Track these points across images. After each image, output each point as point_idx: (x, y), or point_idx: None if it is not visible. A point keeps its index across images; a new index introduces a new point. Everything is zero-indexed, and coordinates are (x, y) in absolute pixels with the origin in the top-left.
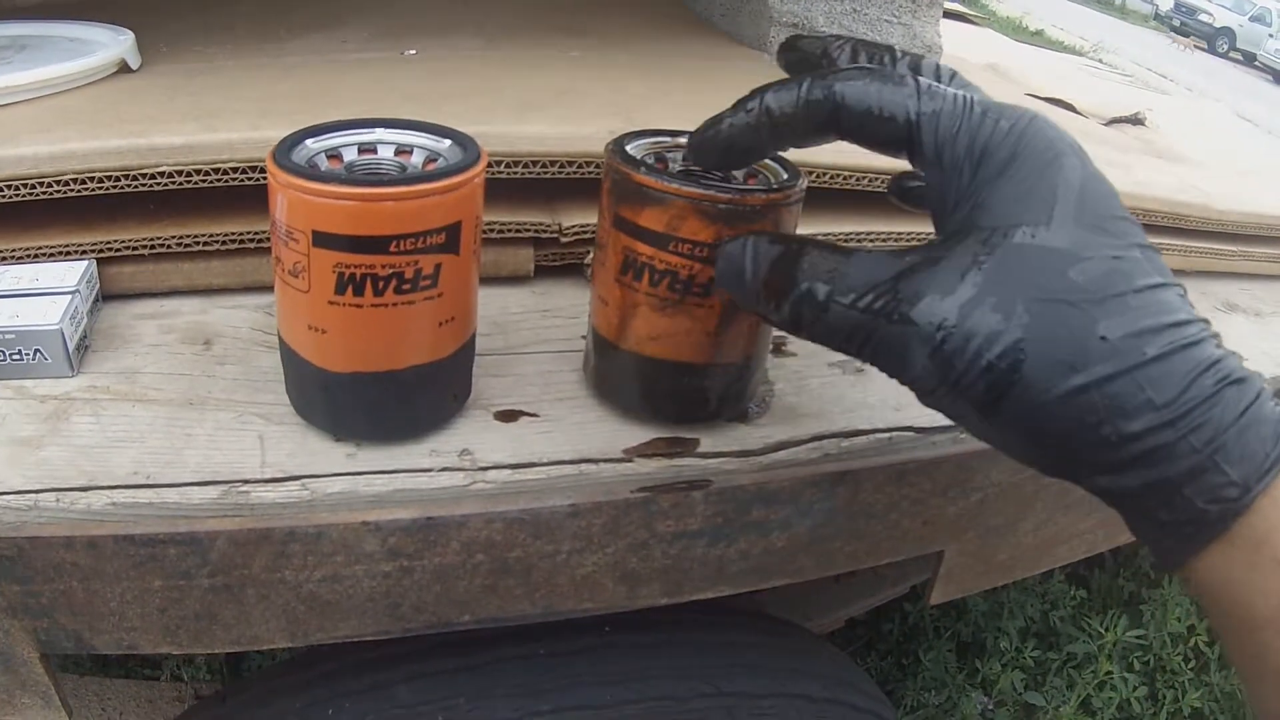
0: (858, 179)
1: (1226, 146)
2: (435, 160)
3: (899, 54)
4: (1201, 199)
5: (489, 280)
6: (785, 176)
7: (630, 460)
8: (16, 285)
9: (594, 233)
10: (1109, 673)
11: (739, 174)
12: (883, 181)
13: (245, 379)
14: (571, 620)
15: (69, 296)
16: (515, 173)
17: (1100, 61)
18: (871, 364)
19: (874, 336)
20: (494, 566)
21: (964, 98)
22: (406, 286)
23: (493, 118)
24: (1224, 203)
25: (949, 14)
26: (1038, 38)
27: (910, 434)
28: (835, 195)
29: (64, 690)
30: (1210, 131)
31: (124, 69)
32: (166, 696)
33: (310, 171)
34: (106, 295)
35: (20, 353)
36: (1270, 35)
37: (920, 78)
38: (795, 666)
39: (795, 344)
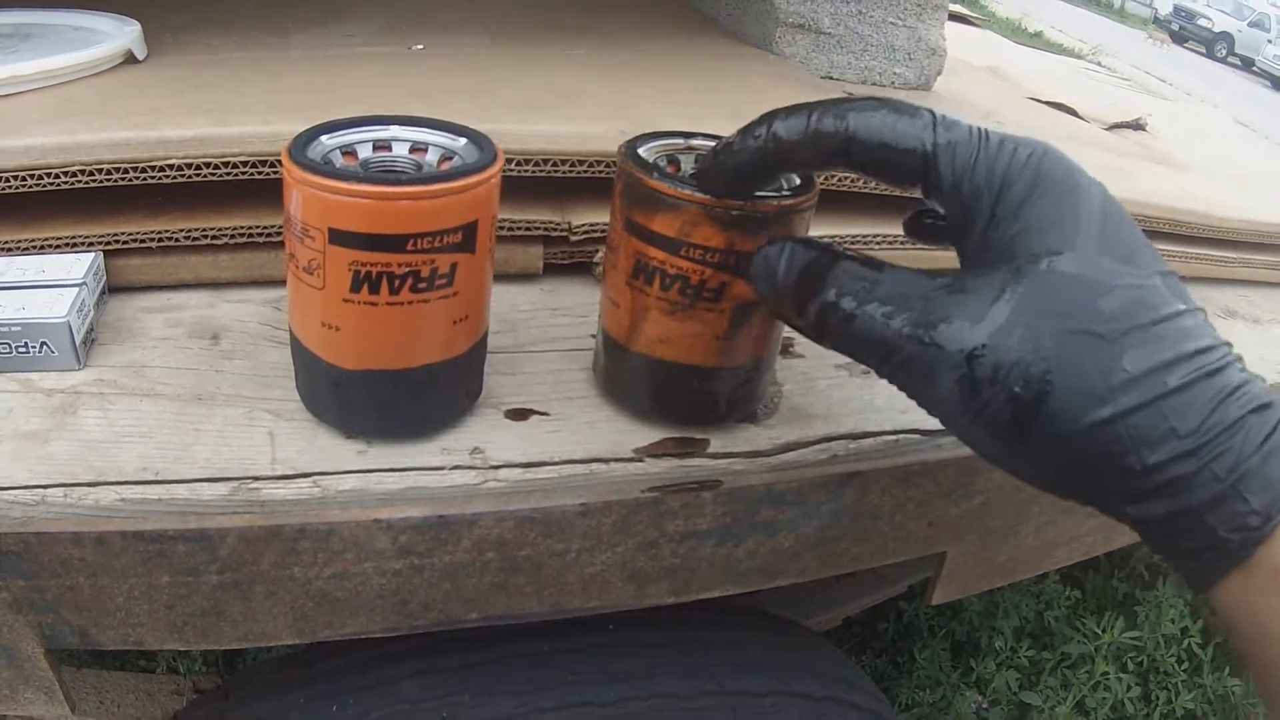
0: (866, 181)
1: (1225, 153)
2: (450, 158)
3: None
4: (1203, 206)
5: (498, 277)
6: (798, 183)
7: (640, 460)
8: (23, 277)
9: (603, 232)
10: (1105, 673)
11: None
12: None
13: (254, 374)
14: (575, 618)
15: (76, 289)
16: (525, 171)
17: (1099, 65)
18: (894, 384)
19: (899, 354)
20: (504, 565)
21: (979, 129)
22: (423, 285)
23: (502, 116)
24: (1224, 210)
25: (950, 15)
26: (1037, 40)
27: (916, 436)
28: (848, 197)
29: (67, 685)
30: (1209, 138)
31: (130, 59)
32: (164, 689)
33: (328, 169)
34: (113, 288)
35: (26, 345)
36: (1269, 40)
37: (935, 110)
38: (796, 665)
39: (803, 346)
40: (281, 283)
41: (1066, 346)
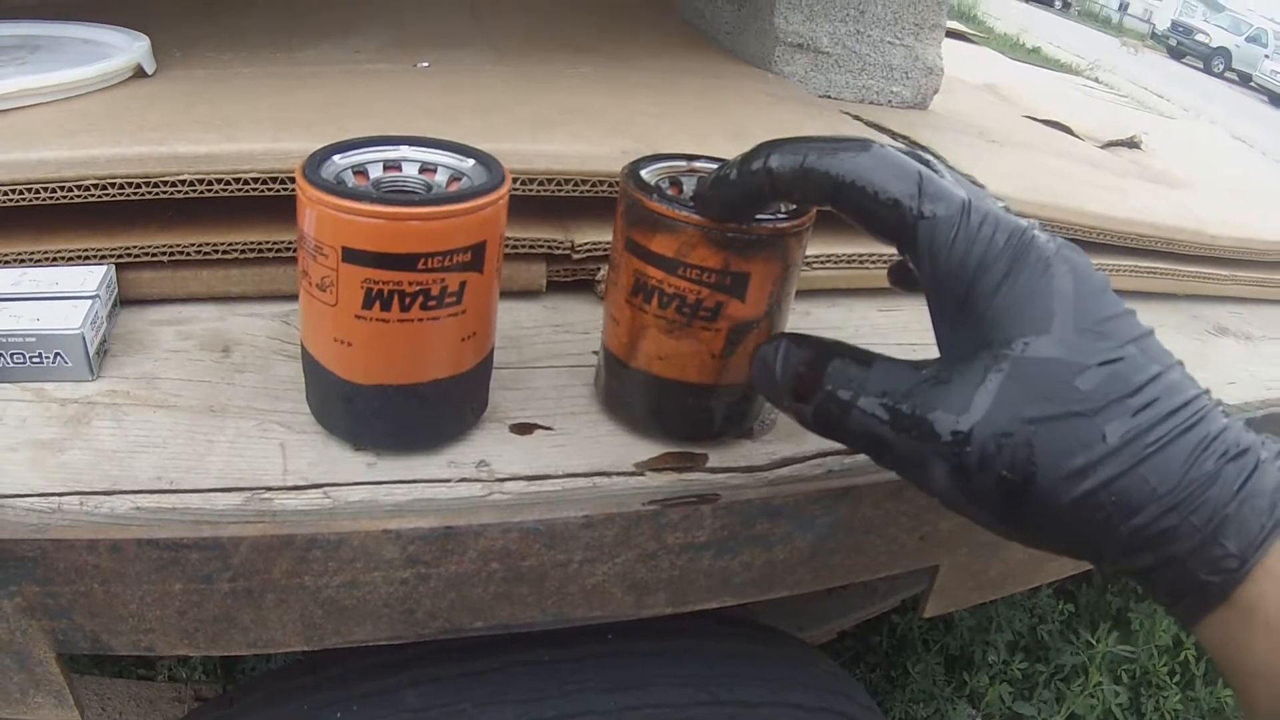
0: None
1: (1220, 170)
2: (459, 179)
3: None
4: (1195, 224)
5: (503, 294)
6: (794, 206)
7: (641, 474)
8: (36, 289)
9: (605, 250)
10: (1098, 683)
11: None
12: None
13: (264, 387)
14: (576, 628)
15: (89, 301)
16: (530, 190)
17: (1096, 80)
18: (896, 474)
19: (894, 448)
20: (508, 575)
21: (964, 202)
22: (432, 303)
23: (508, 135)
24: (1217, 228)
25: (947, 33)
26: (1035, 56)
27: None
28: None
29: (78, 690)
30: (1205, 154)
31: (139, 73)
32: (166, 697)
33: (342, 189)
34: (124, 300)
35: (40, 356)
36: (1266, 56)
37: (925, 165)
38: (790, 676)
39: None
40: (290, 297)
41: (1047, 429)
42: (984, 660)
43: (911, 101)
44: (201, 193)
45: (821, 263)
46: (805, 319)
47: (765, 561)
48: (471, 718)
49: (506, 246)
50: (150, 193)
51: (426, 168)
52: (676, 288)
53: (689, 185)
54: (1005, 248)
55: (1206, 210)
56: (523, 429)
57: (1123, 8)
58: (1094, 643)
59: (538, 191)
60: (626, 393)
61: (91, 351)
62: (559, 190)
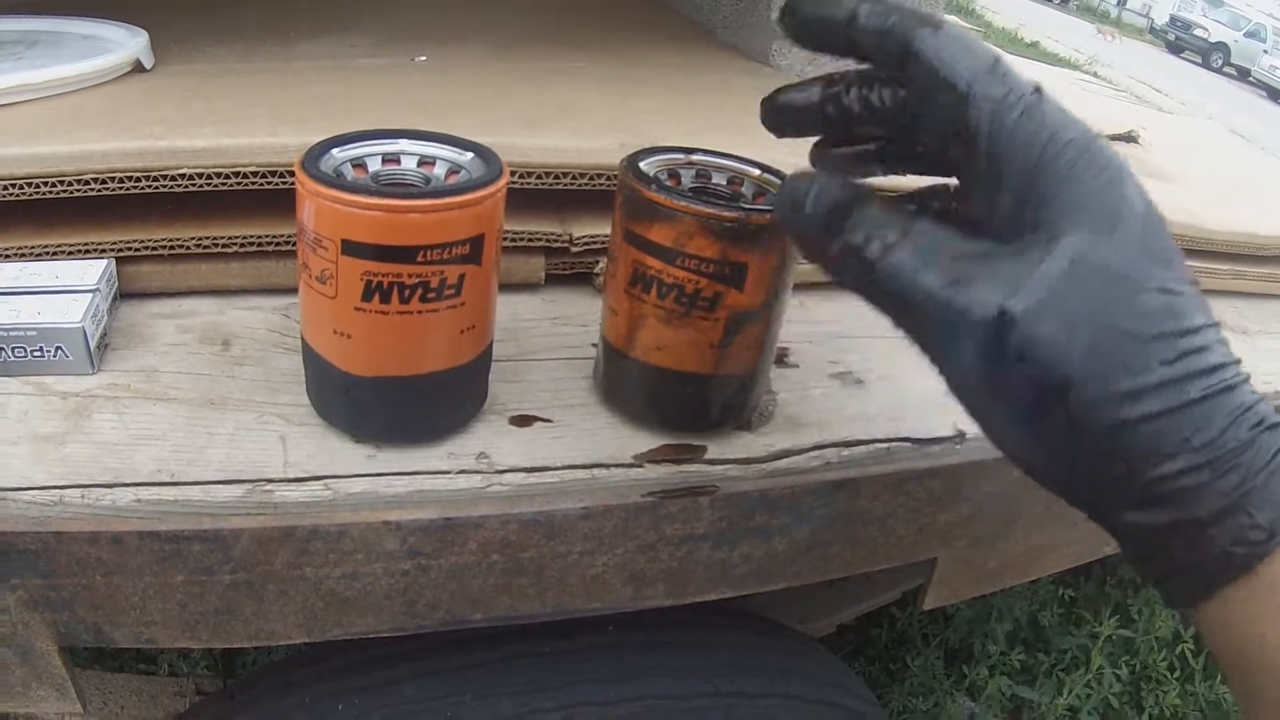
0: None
1: (1219, 165)
2: (458, 172)
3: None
4: (1192, 219)
5: (502, 287)
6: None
7: (640, 466)
8: (37, 282)
9: (603, 243)
10: (1100, 667)
11: (748, 194)
12: (890, 196)
13: (264, 380)
14: (576, 620)
15: (90, 295)
16: (529, 183)
17: (1095, 75)
18: (911, 338)
19: (921, 310)
20: (508, 566)
21: (1036, 86)
22: (431, 295)
23: (507, 129)
24: (1215, 223)
25: None
26: (1033, 50)
27: (907, 444)
28: None
29: (80, 683)
30: (1203, 149)
31: (138, 68)
32: (168, 691)
33: (341, 182)
34: (124, 294)
35: (41, 349)
36: (1265, 51)
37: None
38: (790, 668)
39: (797, 355)
40: (289, 290)
41: (1100, 340)
42: (983, 652)
43: None
44: (200, 187)
45: None
46: (803, 312)
47: (764, 553)
48: (471, 710)
49: (505, 240)
50: (149, 187)
51: (425, 161)
52: (675, 277)
53: (687, 177)
54: (1072, 144)
55: (1203, 205)
56: (522, 421)
57: (1120, 2)
58: (1097, 625)
59: (535, 185)
60: (625, 383)
61: (92, 345)
62: (557, 184)
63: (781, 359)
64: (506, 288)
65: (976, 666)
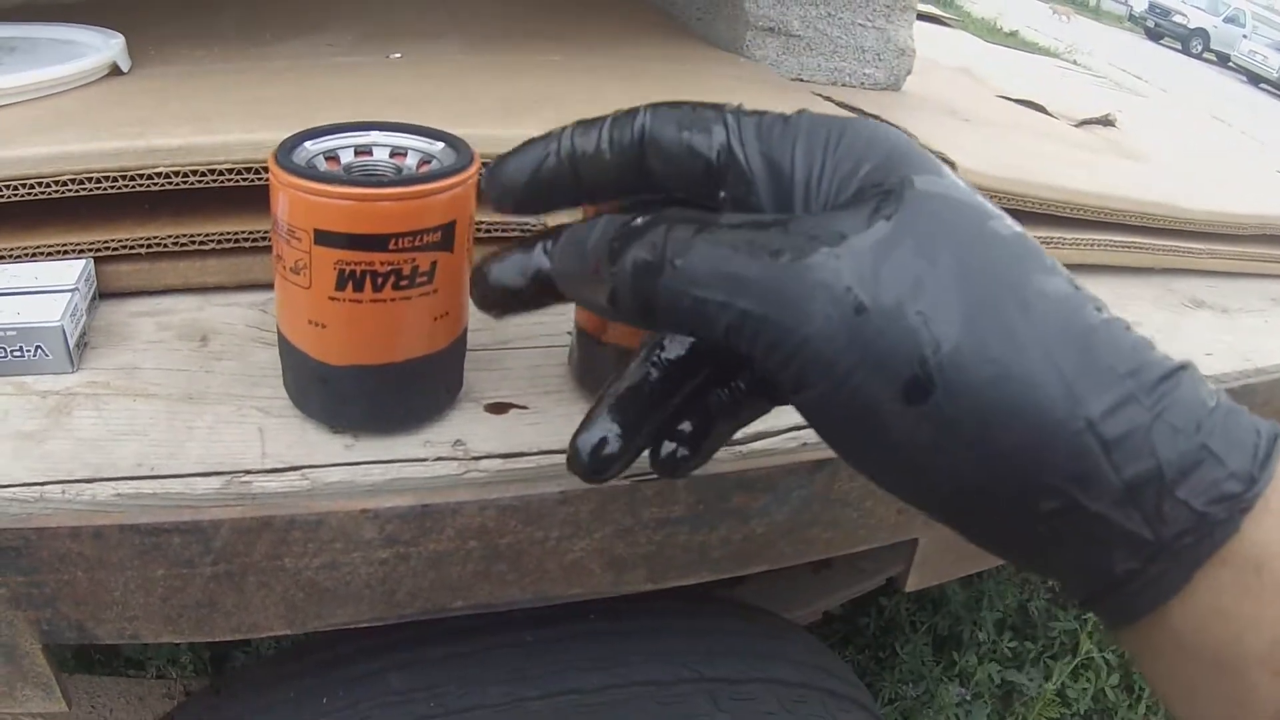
0: None
1: (1195, 146)
2: (429, 162)
3: None
4: (1169, 199)
5: None
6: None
7: None
8: (16, 283)
9: None
10: (1089, 654)
11: None
12: None
13: (243, 374)
14: (558, 608)
15: (69, 294)
16: None
17: (1075, 63)
18: (740, 346)
19: (753, 288)
20: (486, 553)
21: (779, 114)
22: (404, 282)
23: (478, 121)
24: (1190, 201)
25: (922, 15)
26: (1013, 39)
27: None
28: None
29: (65, 681)
30: (1180, 132)
31: (115, 72)
32: (156, 693)
33: (312, 172)
34: (103, 293)
35: (21, 349)
36: (1244, 36)
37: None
38: (772, 652)
39: None
40: (266, 286)
41: (967, 268)
42: (972, 639)
43: (885, 83)
44: (178, 185)
45: None
46: None
47: (743, 536)
48: (456, 698)
49: (480, 230)
50: (127, 186)
51: (397, 151)
52: None
53: None
54: (847, 129)
55: (1180, 185)
56: (498, 408)
57: None
58: (1085, 613)
59: None
60: (600, 369)
61: (72, 343)
62: None
63: None
64: None
65: (966, 653)
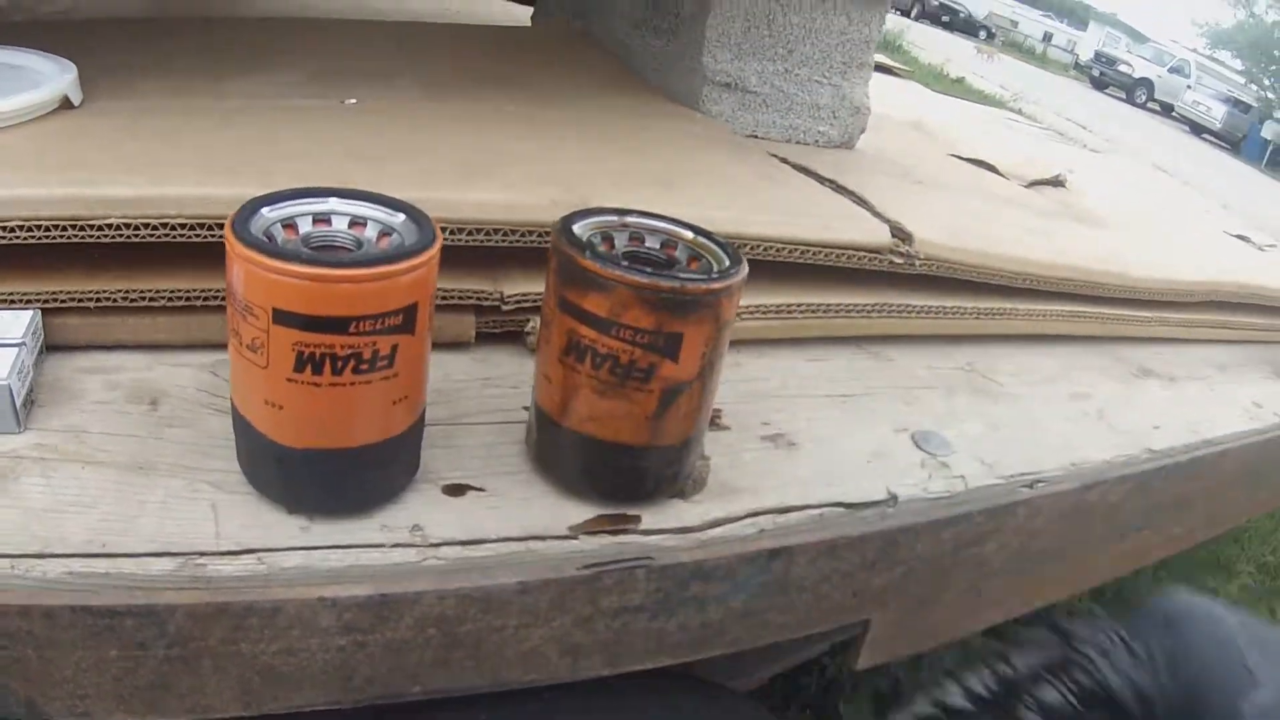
0: (791, 250)
1: (1145, 207)
2: (389, 234)
3: None
4: (1119, 266)
5: (432, 345)
6: (727, 263)
7: (575, 538)
8: None
9: (535, 302)
10: None
11: (682, 258)
12: (819, 253)
13: (194, 443)
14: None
15: (15, 349)
16: (459, 239)
17: (1019, 113)
18: None
19: None
20: (445, 640)
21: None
22: (364, 367)
23: (436, 182)
24: (1140, 269)
25: (875, 66)
26: (959, 86)
27: (840, 509)
28: (773, 267)
29: None
30: (1128, 191)
31: (66, 104)
32: None
33: (273, 247)
34: (48, 346)
35: None
36: (1188, 87)
37: None
38: None
39: (729, 416)
40: (218, 346)
41: None
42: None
43: (838, 141)
44: (128, 238)
45: (750, 313)
46: (735, 370)
47: (699, 623)
48: None
49: (436, 298)
50: (76, 236)
51: (356, 221)
52: (609, 348)
53: (621, 240)
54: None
55: (1130, 251)
56: (455, 490)
57: (1046, 39)
58: None
59: (466, 241)
60: (559, 452)
61: (19, 402)
62: (488, 240)
63: (714, 421)
64: (437, 346)
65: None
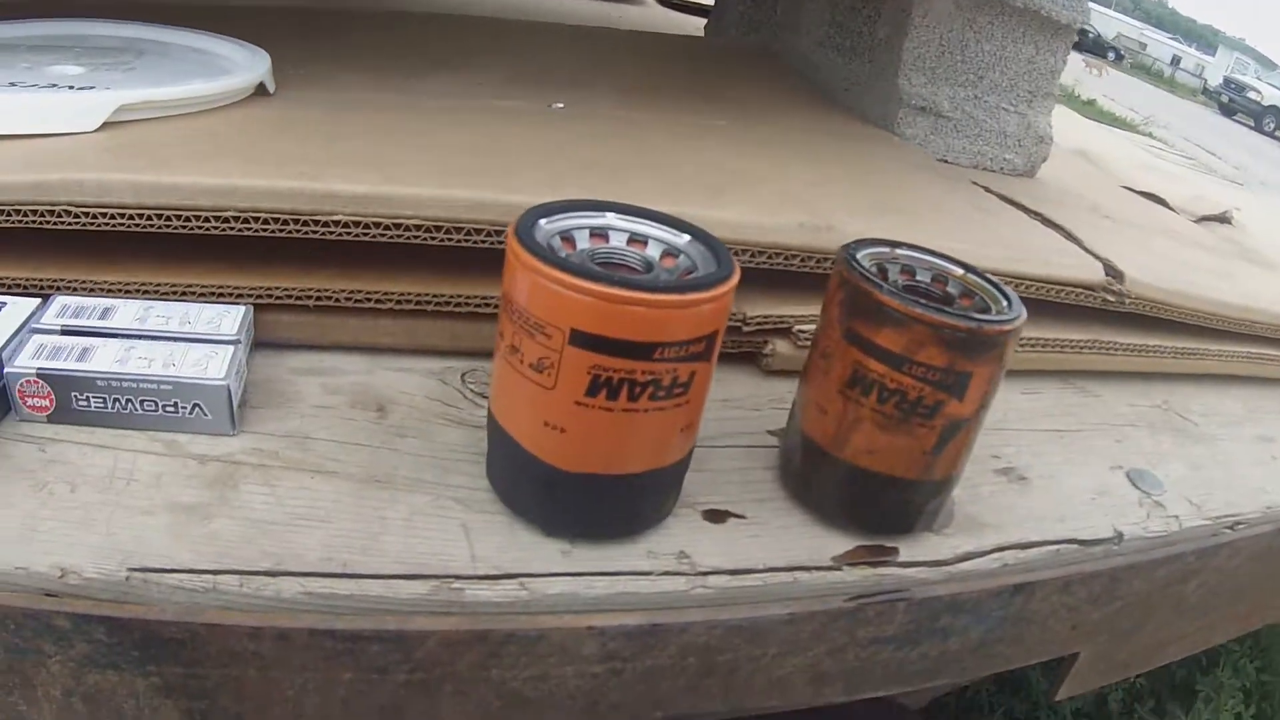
0: (1017, 285)
1: None
2: (674, 255)
3: None
4: None
5: None
6: (1005, 303)
7: (839, 569)
8: (166, 326)
9: (777, 324)
10: None
11: (954, 293)
12: (1041, 289)
13: (431, 456)
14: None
15: (231, 346)
16: None
17: (1151, 135)
18: None
19: None
20: (701, 668)
21: None
22: (661, 393)
23: (683, 198)
24: None
25: None
26: (1090, 108)
27: (1075, 546)
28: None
29: None
30: None
31: (260, 92)
32: None
33: (577, 266)
34: (255, 343)
35: (176, 405)
36: None
37: None
38: None
39: None
40: (444, 352)
41: None
42: None
43: (1022, 169)
44: (356, 236)
45: None
46: None
47: (939, 653)
48: None
49: None
50: (296, 231)
51: (635, 239)
52: (900, 384)
53: (893, 272)
54: None
55: None
56: (716, 516)
57: (1174, 62)
58: (1182, 716)
59: None
60: (824, 482)
61: (235, 404)
62: (737, 260)
63: None
64: None
65: None
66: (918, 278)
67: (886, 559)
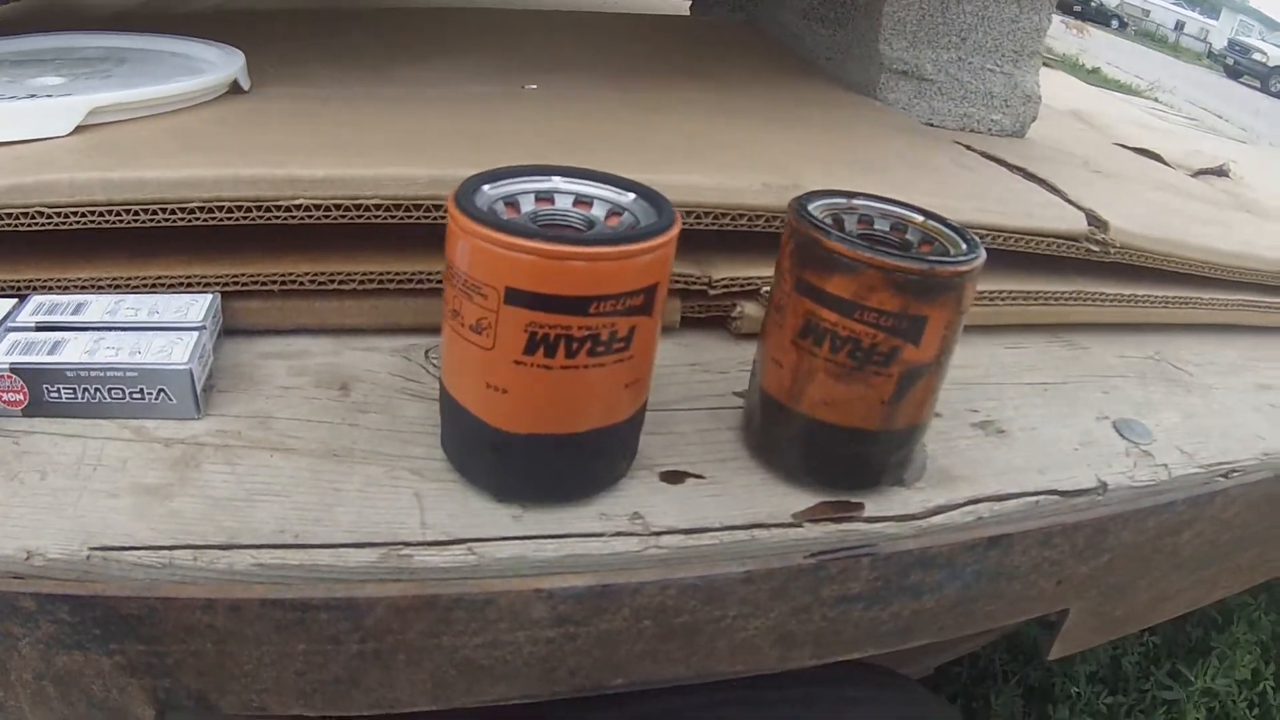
0: (996, 237)
1: None
2: (619, 213)
3: None
4: None
5: None
6: (964, 247)
7: (800, 525)
8: (135, 317)
9: (742, 287)
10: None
11: (913, 240)
12: (1021, 240)
13: (390, 429)
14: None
15: (195, 332)
16: None
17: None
18: None
19: None
20: (659, 631)
21: None
22: (600, 349)
23: (647, 165)
24: None
25: None
26: (1095, 76)
27: (1055, 497)
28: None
29: None
30: None
31: (235, 89)
32: None
33: (509, 224)
34: (227, 329)
35: (142, 391)
36: None
37: None
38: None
39: (942, 404)
40: (408, 330)
41: None
42: (1064, 692)
43: (1011, 130)
44: (319, 219)
45: None
46: None
47: (912, 611)
48: None
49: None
50: (262, 218)
51: (581, 200)
52: (851, 331)
53: (850, 223)
54: None
55: None
56: (673, 477)
57: (1178, 27)
58: (1193, 679)
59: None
60: (784, 438)
61: (199, 388)
62: (699, 224)
63: None
64: None
65: (1058, 707)
66: (876, 227)
67: (851, 514)
